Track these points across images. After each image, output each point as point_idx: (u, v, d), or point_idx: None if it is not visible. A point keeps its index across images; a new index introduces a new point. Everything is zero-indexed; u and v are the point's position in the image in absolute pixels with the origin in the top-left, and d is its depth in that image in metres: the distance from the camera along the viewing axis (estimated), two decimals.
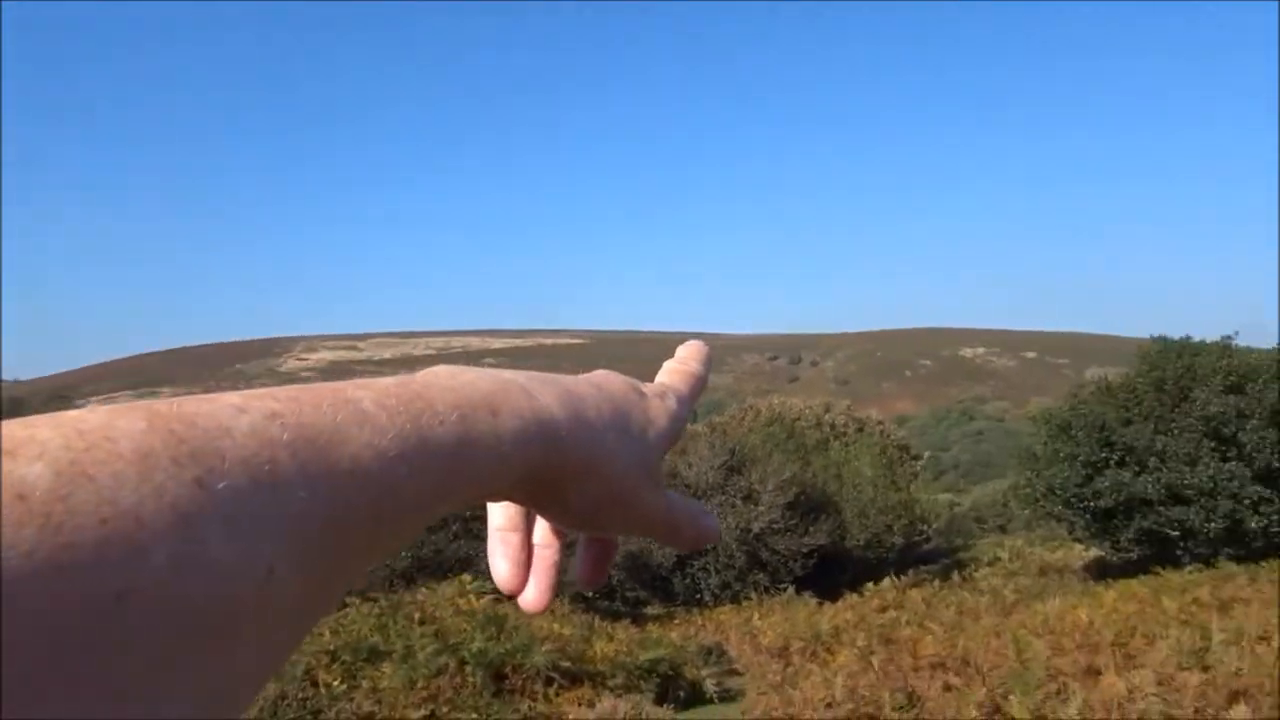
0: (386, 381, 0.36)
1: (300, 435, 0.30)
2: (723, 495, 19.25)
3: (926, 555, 23.71)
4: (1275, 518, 15.34)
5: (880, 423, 29.58)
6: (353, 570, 0.33)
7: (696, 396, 0.59)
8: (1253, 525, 15.24)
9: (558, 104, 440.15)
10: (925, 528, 23.65)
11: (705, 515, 0.54)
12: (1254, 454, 15.29)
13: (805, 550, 18.70)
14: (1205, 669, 6.65)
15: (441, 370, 0.41)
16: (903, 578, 17.69)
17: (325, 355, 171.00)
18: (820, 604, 15.91)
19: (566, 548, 0.59)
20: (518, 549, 0.54)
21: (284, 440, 0.30)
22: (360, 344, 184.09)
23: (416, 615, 9.81)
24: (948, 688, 7.05)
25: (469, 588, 11.24)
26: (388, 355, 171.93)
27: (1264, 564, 14.03)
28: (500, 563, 0.54)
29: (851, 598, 16.26)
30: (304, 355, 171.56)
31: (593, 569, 0.57)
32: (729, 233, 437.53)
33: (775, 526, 18.71)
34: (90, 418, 0.27)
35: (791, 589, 17.63)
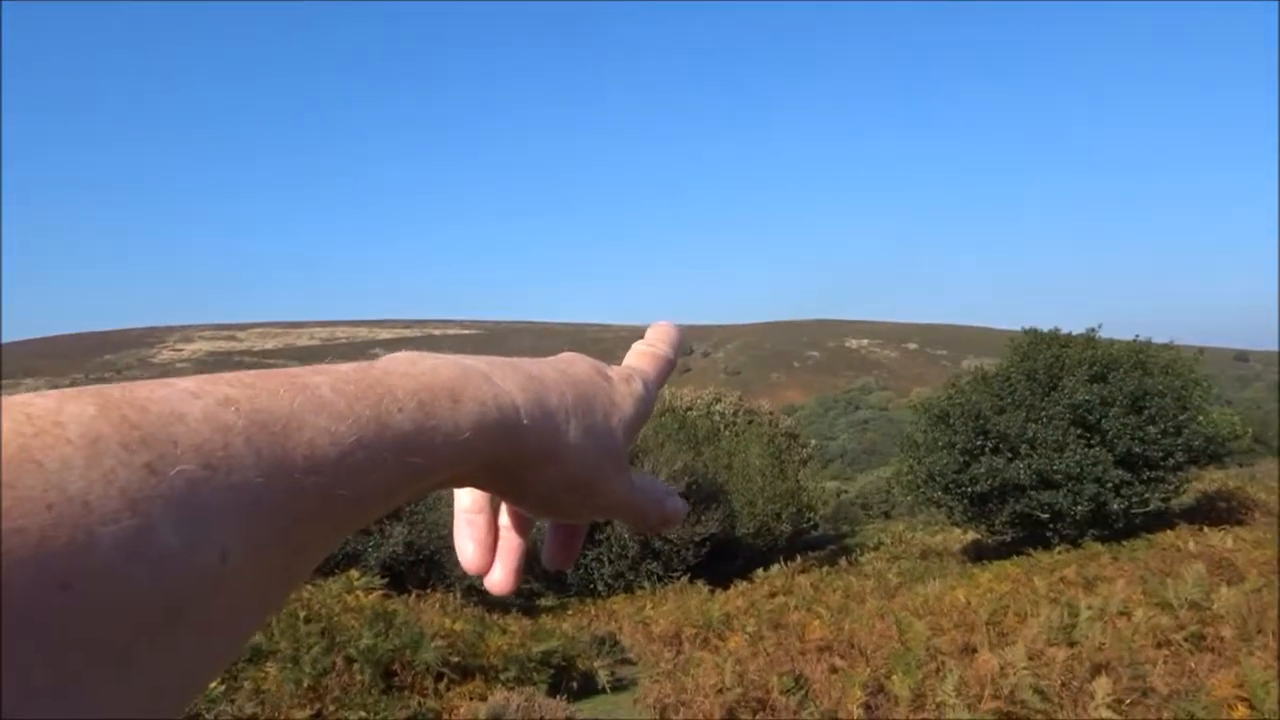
0: (345, 368, 0.36)
1: (255, 421, 0.30)
2: None
3: (814, 541, 24.32)
4: (1135, 500, 16.25)
5: (769, 413, 30.17)
6: (312, 555, 0.33)
7: (664, 380, 0.59)
8: (1115, 507, 16.11)
9: (443, 85, 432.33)
10: (813, 515, 24.22)
11: (671, 497, 0.54)
12: (1115, 440, 16.15)
13: (697, 539, 18.92)
14: (1072, 644, 7.00)
15: (401, 356, 0.41)
16: (791, 564, 18.10)
17: (202, 346, 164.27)
18: (712, 591, 16.14)
19: (535, 530, 0.58)
20: (484, 531, 0.53)
21: (239, 426, 0.29)
22: (240, 334, 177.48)
23: (302, 613, 9.52)
24: (834, 669, 7.24)
25: (357, 583, 10.98)
26: (270, 345, 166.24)
27: (1125, 544, 14.86)
28: (466, 545, 0.53)
29: (742, 585, 16.55)
30: (179, 346, 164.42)
31: (561, 551, 0.58)
32: (623, 225, 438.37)
33: None
34: (39, 402, 0.27)
35: (684, 577, 17.83)
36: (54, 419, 0.25)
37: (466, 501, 0.53)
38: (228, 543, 0.27)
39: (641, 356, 0.59)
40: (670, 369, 0.59)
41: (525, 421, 0.41)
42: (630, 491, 0.50)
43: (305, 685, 7.95)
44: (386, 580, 12.23)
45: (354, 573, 11.69)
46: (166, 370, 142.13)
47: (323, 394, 0.33)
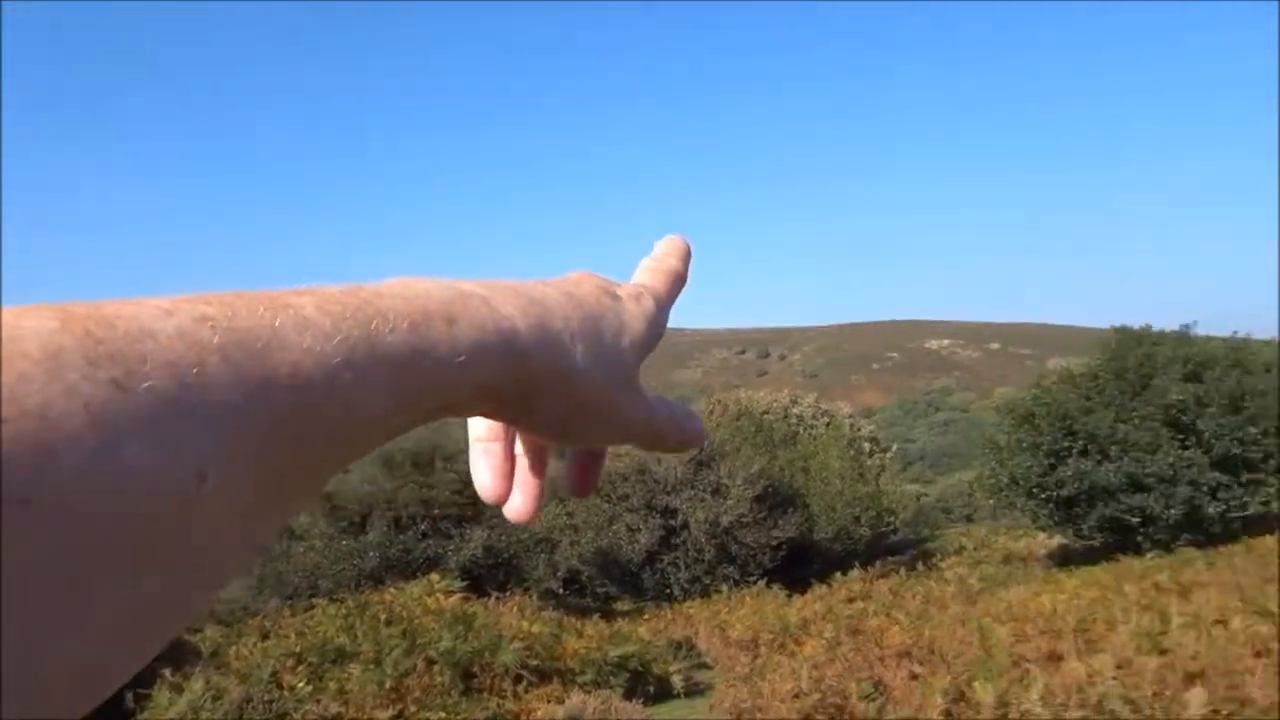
0: (333, 288, 0.34)
1: (233, 339, 0.28)
2: (691, 490, 19.30)
3: (894, 546, 23.92)
4: (1233, 504, 15.63)
5: (848, 415, 29.83)
6: (303, 484, 0.31)
7: (676, 296, 0.56)
8: (1211, 511, 15.53)
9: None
10: (892, 519, 23.84)
11: (691, 419, 0.52)
12: (1212, 441, 15.57)
13: (774, 543, 18.79)
14: (1163, 652, 6.76)
15: (394, 280, 0.38)
16: (870, 569, 17.85)
17: None
18: (789, 596, 16.00)
19: (557, 456, 0.56)
20: (500, 459, 0.51)
21: (215, 344, 0.27)
22: None
23: (384, 615, 9.75)
24: (913, 676, 7.12)
25: (437, 587, 11.20)
26: None
27: (1222, 549, 14.30)
28: (483, 474, 0.51)
29: (820, 589, 16.38)
30: None
31: (581, 478, 0.55)
32: (696, 226, 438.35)
33: (744, 520, 18.79)
34: None
35: (761, 582, 17.71)
36: (9, 332, 0.23)
37: (481, 430, 0.51)
38: (205, 465, 0.26)
39: (651, 272, 0.55)
40: (682, 284, 0.56)
41: (527, 345, 0.39)
42: (648, 412, 0.48)
43: (387, 686, 8.13)
44: (466, 583, 12.43)
45: (434, 576, 11.93)
46: None
47: (307, 314, 0.31)
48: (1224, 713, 5.46)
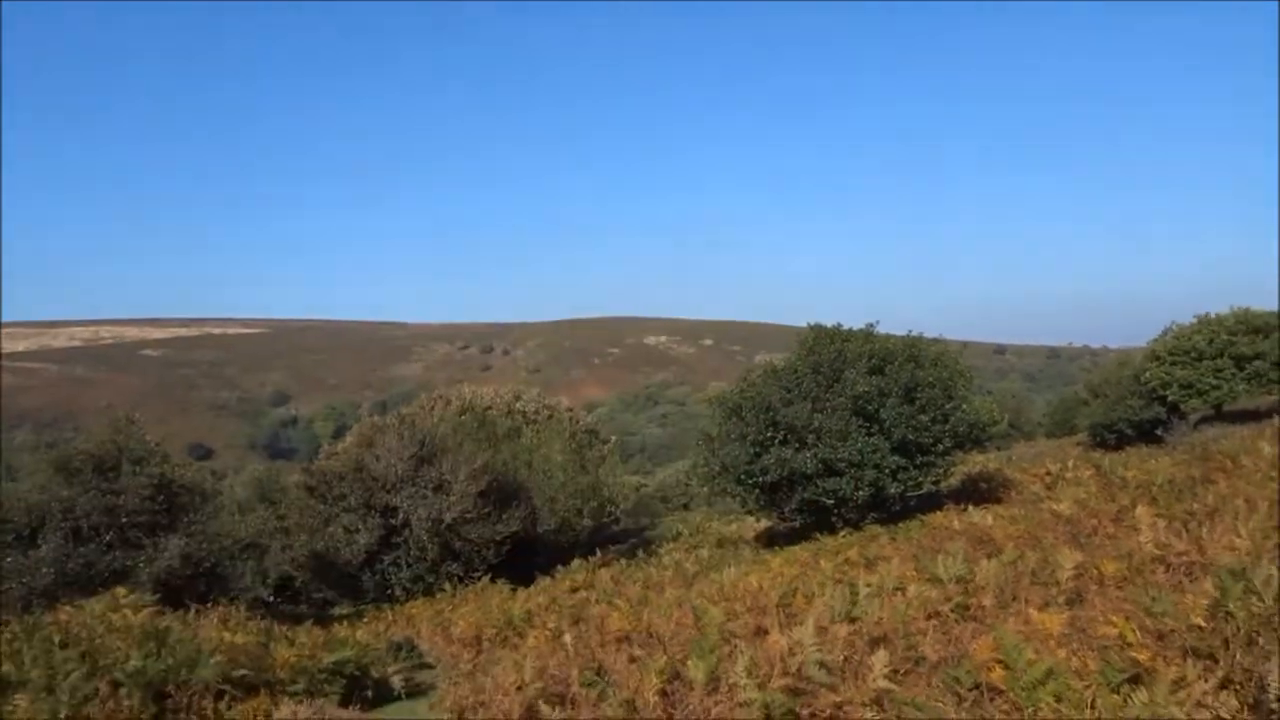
0: None
1: None
2: (413, 487, 18.83)
3: (616, 536, 24.61)
4: (909, 484, 17.43)
5: (570, 409, 30.29)
6: None
7: None
8: (892, 491, 17.23)
9: (213, 74, 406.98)
10: (614, 509, 24.51)
11: None
12: (892, 428, 17.26)
13: (498, 538, 18.74)
14: (853, 620, 7.40)
15: None
16: (593, 558, 18.24)
17: None
18: (514, 590, 16.02)
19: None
20: None
21: None
22: None
23: (58, 637, 8.67)
24: (632, 659, 7.32)
25: (124, 601, 10.13)
26: (21, 347, 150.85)
27: (901, 525, 15.93)
28: None
29: (545, 582, 16.52)
30: None
31: None
32: (420, 221, 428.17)
33: (468, 516, 18.59)
34: None
35: (486, 578, 17.60)
36: None
37: None
38: None
39: None
40: None
41: None
42: None
43: (63, 716, 7.23)
44: (159, 596, 11.38)
45: (121, 590, 10.79)
46: None
47: None
48: (902, 671, 6.06)
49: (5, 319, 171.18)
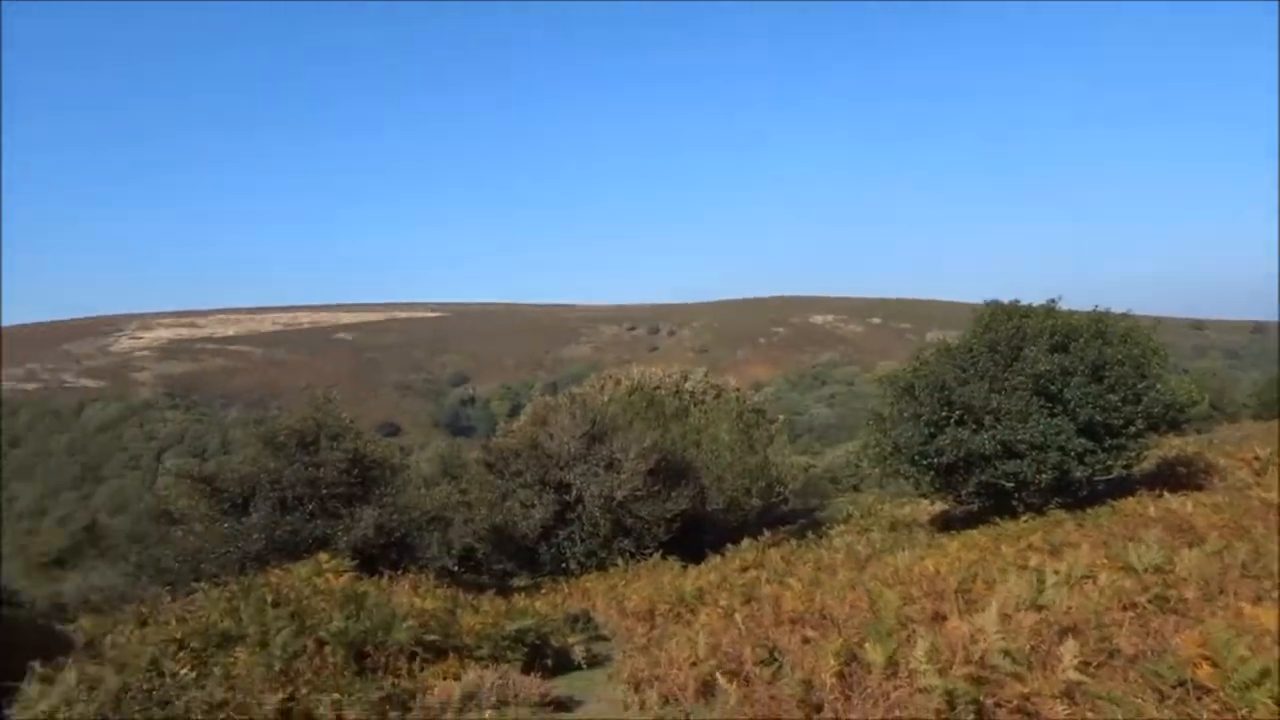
0: None
1: None
2: (585, 465, 19.32)
3: (784, 516, 24.48)
4: (1098, 468, 16.50)
5: (736, 389, 30.24)
6: None
7: None
8: (1078, 475, 16.36)
9: (398, 74, 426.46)
10: (782, 489, 24.38)
11: None
12: (1077, 409, 16.37)
13: (668, 515, 18.99)
14: (1039, 609, 7.10)
15: None
16: (762, 538, 18.22)
17: (162, 333, 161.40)
18: (685, 567, 16.20)
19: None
20: None
21: None
22: (201, 320, 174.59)
23: (270, 597, 9.43)
24: (807, 640, 7.30)
25: (326, 566, 10.90)
26: (231, 332, 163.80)
27: (1089, 510, 15.11)
28: None
29: (714, 560, 16.63)
30: (138, 334, 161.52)
31: None
32: (586, 205, 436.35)
33: (638, 494, 18.92)
34: None
35: (657, 554, 17.90)
36: None
37: None
38: None
39: None
40: None
41: None
42: None
43: (276, 669, 7.87)
44: (357, 563, 12.16)
45: (323, 556, 11.61)
46: (126, 359, 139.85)
47: None
48: (1094, 663, 5.78)
49: (218, 306, 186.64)
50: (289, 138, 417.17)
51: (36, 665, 7.76)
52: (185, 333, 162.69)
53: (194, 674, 7.82)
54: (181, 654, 8.31)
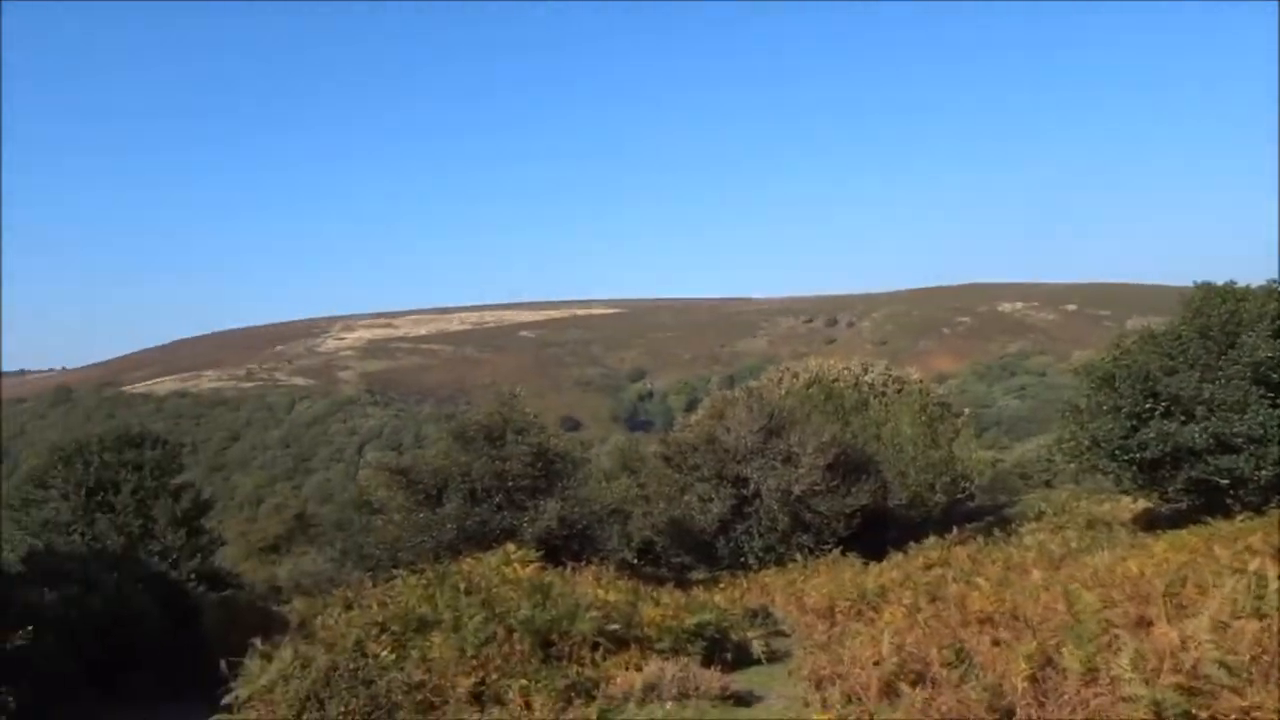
0: None
1: None
2: (762, 459, 19.24)
3: (971, 513, 23.60)
4: None
5: (919, 381, 29.34)
6: None
7: None
8: None
9: (566, 70, 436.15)
10: (968, 485, 23.51)
11: None
12: None
13: (848, 511, 18.65)
14: (1261, 617, 6.52)
15: None
16: (947, 535, 17.60)
17: (363, 334, 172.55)
18: (865, 564, 15.88)
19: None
20: None
21: None
22: (395, 321, 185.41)
23: (463, 585, 9.92)
24: (996, 642, 7.00)
25: (514, 556, 11.34)
26: (423, 331, 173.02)
27: None
28: None
29: (897, 557, 16.21)
30: (342, 335, 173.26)
31: None
32: (758, 197, 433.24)
33: (816, 488, 18.67)
34: None
35: (836, 550, 17.62)
36: None
37: None
38: None
39: None
40: None
41: None
42: None
43: (469, 654, 8.28)
44: (542, 554, 12.57)
45: (511, 546, 12.08)
46: (333, 358, 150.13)
47: None
48: None
49: (410, 306, 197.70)
50: (465, 143, 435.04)
51: (258, 643, 8.46)
52: (383, 333, 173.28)
53: (394, 655, 8.33)
54: (383, 636, 8.87)
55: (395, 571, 12.76)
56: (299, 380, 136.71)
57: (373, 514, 17.00)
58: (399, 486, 16.59)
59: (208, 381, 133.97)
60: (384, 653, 8.42)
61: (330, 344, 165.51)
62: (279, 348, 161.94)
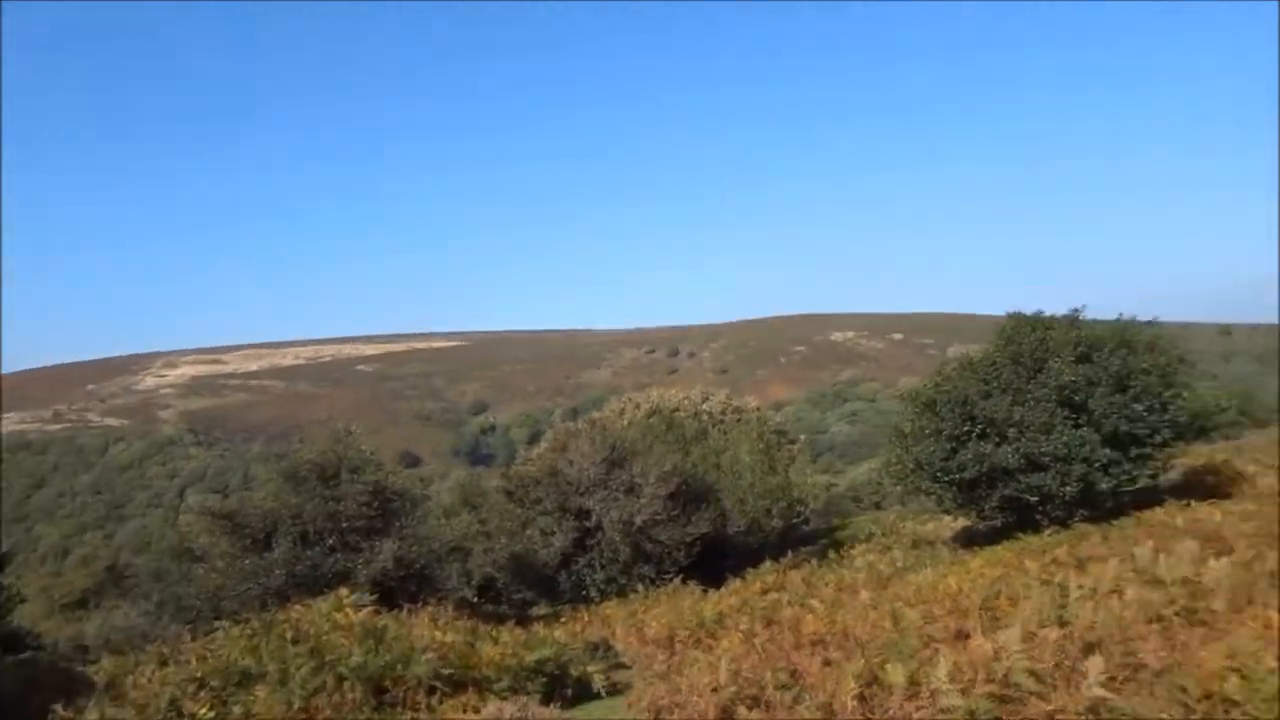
0: None
1: None
2: (605, 490, 19.25)
3: (806, 536, 24.25)
4: (1124, 479, 16.27)
5: (757, 409, 30.14)
6: None
7: None
8: (1104, 487, 16.13)
9: (414, 98, 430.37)
10: (804, 509, 24.16)
11: None
12: (1102, 420, 16.17)
13: (688, 539, 18.86)
14: (1064, 624, 6.98)
15: None
16: (783, 560, 18.05)
17: (187, 370, 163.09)
18: (705, 592, 16.07)
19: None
20: None
21: None
22: (225, 357, 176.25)
23: (290, 634, 9.42)
24: (827, 662, 7.20)
25: (346, 601, 10.87)
26: (254, 367, 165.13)
27: (1115, 523, 14.89)
28: None
29: (735, 583, 16.49)
30: (163, 372, 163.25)
31: None
32: (599, 231, 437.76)
33: (658, 518, 18.81)
34: None
35: (677, 579, 17.75)
36: None
37: None
38: None
39: None
40: None
41: None
42: None
43: (296, 706, 7.85)
44: (377, 597, 12.12)
45: (343, 591, 11.58)
46: (150, 397, 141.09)
47: None
48: (1120, 679, 5.65)
49: (241, 341, 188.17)
50: (309, 168, 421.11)
51: (58, 709, 7.77)
52: (210, 369, 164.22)
53: (213, 713, 7.81)
54: (201, 693, 8.31)
55: (217, 623, 11.98)
56: (113, 421, 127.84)
57: (194, 562, 15.97)
58: (223, 531, 15.67)
59: (9, 425, 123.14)
60: (202, 711, 7.88)
61: (149, 381, 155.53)
62: (90, 386, 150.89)
